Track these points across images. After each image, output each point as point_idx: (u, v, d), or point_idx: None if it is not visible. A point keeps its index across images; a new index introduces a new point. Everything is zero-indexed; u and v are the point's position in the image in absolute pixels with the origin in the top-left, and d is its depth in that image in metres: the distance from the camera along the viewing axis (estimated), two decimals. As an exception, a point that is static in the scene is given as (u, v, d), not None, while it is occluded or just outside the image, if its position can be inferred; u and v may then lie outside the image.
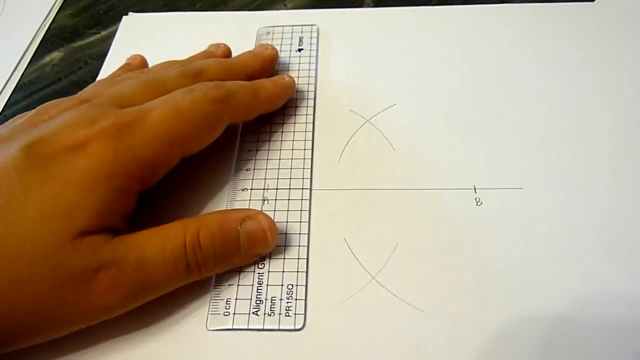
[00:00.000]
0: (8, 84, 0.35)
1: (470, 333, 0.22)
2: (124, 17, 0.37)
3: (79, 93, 0.28)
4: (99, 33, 0.38)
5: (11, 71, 0.35)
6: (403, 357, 0.21)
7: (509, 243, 0.24)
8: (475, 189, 0.26)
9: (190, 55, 0.34)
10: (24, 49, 0.37)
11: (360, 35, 0.34)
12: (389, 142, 0.28)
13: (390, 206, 0.26)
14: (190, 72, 0.27)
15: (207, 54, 0.32)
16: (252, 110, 0.28)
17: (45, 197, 0.20)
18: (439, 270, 0.24)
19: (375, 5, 0.36)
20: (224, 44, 0.32)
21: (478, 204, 0.26)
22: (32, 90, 0.35)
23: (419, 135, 0.28)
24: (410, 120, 0.29)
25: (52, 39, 0.38)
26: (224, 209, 0.26)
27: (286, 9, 0.37)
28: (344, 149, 0.28)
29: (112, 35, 0.36)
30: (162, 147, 0.23)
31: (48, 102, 0.25)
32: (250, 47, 0.34)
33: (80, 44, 0.37)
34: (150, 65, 0.32)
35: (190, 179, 0.28)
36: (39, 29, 0.38)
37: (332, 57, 0.33)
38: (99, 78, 0.34)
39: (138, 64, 0.32)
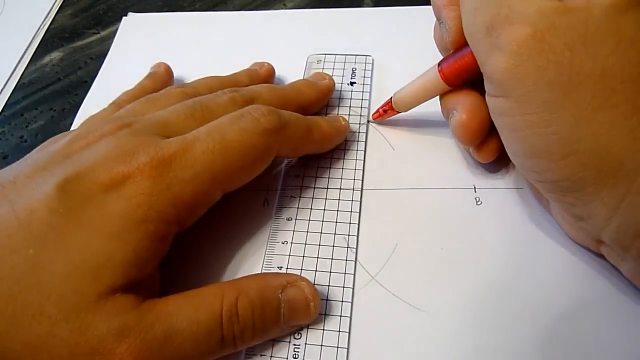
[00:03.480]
0: (8, 84, 0.35)
1: (470, 333, 0.22)
2: (124, 18, 0.37)
3: (114, 105, 0.27)
4: (98, 33, 0.38)
5: (11, 71, 0.35)
6: (403, 357, 0.21)
7: (509, 242, 0.24)
8: (475, 188, 0.26)
9: (193, 56, 0.34)
10: (24, 49, 0.37)
11: (359, 35, 0.34)
12: (389, 142, 0.28)
13: (390, 206, 0.26)
14: (240, 98, 0.25)
15: (249, 72, 0.30)
16: (301, 147, 0.25)
17: (74, 248, 0.19)
18: (439, 270, 0.23)
19: (375, 5, 0.36)
20: (268, 63, 0.31)
21: (478, 203, 0.25)
22: (32, 90, 0.35)
23: (419, 135, 0.28)
24: (410, 120, 0.29)
25: (51, 39, 0.38)
26: (262, 267, 0.24)
27: (286, 8, 0.37)
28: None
29: (111, 36, 0.36)
30: (202, 185, 0.21)
31: (88, 120, 0.24)
32: (252, 46, 0.34)
33: (80, 44, 0.37)
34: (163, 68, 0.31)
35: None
36: (38, 29, 0.38)
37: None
38: (97, 79, 0.34)
39: (163, 73, 0.31)
